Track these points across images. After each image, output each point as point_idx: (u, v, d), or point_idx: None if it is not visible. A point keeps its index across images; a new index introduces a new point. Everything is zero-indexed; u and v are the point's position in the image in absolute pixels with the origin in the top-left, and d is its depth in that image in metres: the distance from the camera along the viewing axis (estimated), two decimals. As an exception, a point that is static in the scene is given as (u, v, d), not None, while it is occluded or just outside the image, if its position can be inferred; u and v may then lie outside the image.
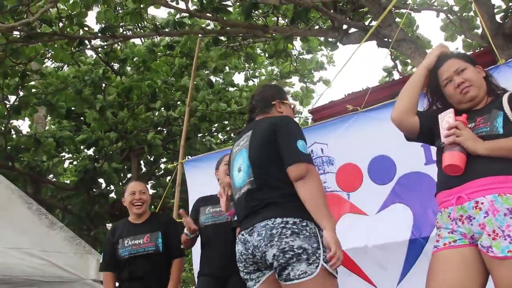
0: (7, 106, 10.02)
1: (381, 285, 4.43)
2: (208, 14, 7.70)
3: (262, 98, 3.17)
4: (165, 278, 4.21)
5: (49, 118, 12.47)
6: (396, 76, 11.45)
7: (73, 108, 11.40)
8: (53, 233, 5.69)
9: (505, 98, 2.55)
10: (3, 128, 10.08)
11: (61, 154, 12.45)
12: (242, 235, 2.78)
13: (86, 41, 9.49)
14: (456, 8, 8.99)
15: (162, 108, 11.58)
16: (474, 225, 2.40)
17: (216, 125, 12.22)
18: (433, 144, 2.75)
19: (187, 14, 8.13)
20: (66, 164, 13.65)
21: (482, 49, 7.17)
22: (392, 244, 4.32)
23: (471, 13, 8.38)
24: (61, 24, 8.13)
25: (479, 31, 8.07)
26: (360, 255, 4.51)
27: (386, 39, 7.30)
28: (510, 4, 8.06)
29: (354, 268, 4.53)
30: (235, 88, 13.03)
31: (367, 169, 4.73)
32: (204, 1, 7.59)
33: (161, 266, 4.23)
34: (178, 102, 11.67)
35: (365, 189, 4.66)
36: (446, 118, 2.58)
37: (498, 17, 7.47)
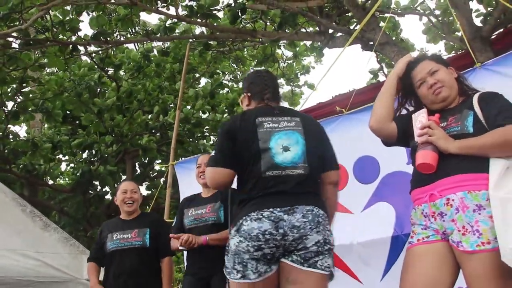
0: (5, 111, 9.99)
1: (366, 280, 4.45)
2: (197, 20, 7.68)
3: (274, 85, 3.15)
4: (152, 274, 4.20)
5: (46, 125, 12.40)
6: (382, 78, 11.46)
7: (68, 112, 11.39)
8: (47, 235, 5.68)
9: (475, 99, 2.56)
10: (0, 133, 10.03)
11: (57, 157, 12.36)
12: (272, 212, 2.60)
13: (80, 47, 9.42)
14: (437, 12, 9.02)
15: (160, 115, 11.57)
16: (446, 221, 2.41)
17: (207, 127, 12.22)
18: (409, 146, 2.76)
19: (177, 20, 8.10)
20: (63, 167, 13.58)
21: (462, 51, 7.19)
22: (376, 241, 4.34)
23: (452, 17, 8.40)
24: (54, 30, 8.07)
25: (460, 33, 8.11)
26: (346, 252, 4.51)
27: (371, 43, 7.30)
28: (489, 8, 8.11)
29: (341, 264, 4.52)
30: (225, 89, 13.01)
31: (352, 169, 4.75)
32: (194, 7, 7.57)
33: (148, 262, 4.22)
34: (171, 105, 11.64)
35: (351, 189, 4.67)
36: (420, 118, 2.59)
37: (478, 21, 7.51)
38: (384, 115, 2.75)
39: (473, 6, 7.96)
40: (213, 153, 2.90)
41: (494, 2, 7.09)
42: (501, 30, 6.60)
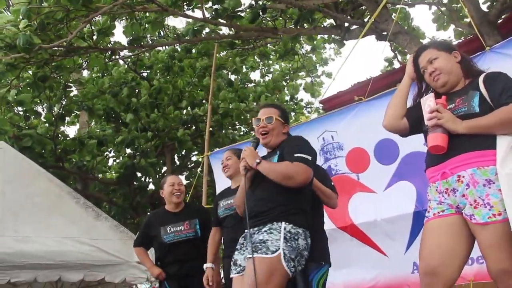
0: (53, 114, 10.23)
1: (390, 253, 4.46)
2: (222, 21, 7.68)
3: None
4: (204, 258, 4.24)
5: (93, 123, 12.66)
6: (397, 65, 11.34)
7: (111, 112, 11.59)
8: (99, 223, 5.83)
9: (481, 79, 2.53)
10: (51, 134, 10.27)
11: (104, 154, 12.61)
12: None
13: (117, 53, 9.56)
14: (445, 1, 8.85)
15: (189, 107, 11.69)
16: (457, 196, 2.41)
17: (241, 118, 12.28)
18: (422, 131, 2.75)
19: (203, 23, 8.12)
20: (110, 162, 13.83)
21: (471, 36, 7.06)
22: (399, 217, 4.34)
23: (460, 4, 8.23)
24: (94, 37, 8.19)
25: (468, 19, 7.95)
26: (370, 228, 4.53)
27: (384, 33, 7.21)
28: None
29: (366, 240, 4.56)
30: (252, 83, 13.03)
31: (373, 152, 4.75)
32: (219, 10, 7.58)
33: (200, 248, 4.30)
34: (203, 101, 11.73)
35: (373, 170, 4.68)
36: (428, 102, 2.58)
37: (485, 7, 7.35)
38: (395, 115, 2.77)
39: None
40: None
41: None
42: (507, 14, 6.45)
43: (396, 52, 10.94)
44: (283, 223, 2.85)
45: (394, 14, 7.72)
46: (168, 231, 4.38)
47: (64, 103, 10.52)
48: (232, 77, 12.32)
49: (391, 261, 4.45)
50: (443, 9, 9.13)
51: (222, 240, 4.18)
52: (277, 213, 2.90)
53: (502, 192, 2.26)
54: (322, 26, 8.96)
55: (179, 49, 10.70)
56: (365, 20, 8.23)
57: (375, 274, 4.57)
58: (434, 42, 2.96)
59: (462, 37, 9.19)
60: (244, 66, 12.52)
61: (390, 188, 4.54)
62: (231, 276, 3.05)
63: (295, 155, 2.93)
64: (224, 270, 4.07)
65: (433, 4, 8.94)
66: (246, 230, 2.94)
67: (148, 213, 5.22)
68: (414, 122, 2.72)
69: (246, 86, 12.49)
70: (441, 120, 2.45)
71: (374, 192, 4.59)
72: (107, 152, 12.76)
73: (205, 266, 4.11)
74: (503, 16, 6.40)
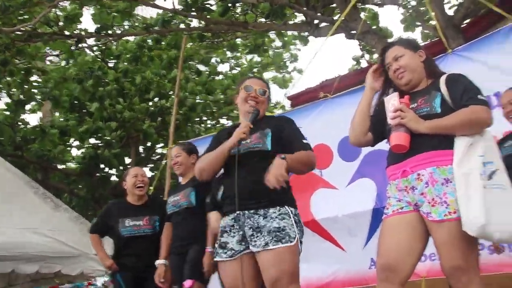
0: (13, 100, 9.96)
1: (349, 248, 4.52)
2: (193, 13, 7.62)
3: None
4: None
5: (57, 113, 12.40)
6: (364, 64, 11.48)
7: (76, 102, 11.37)
8: (58, 214, 5.74)
9: (442, 80, 2.56)
10: (11, 121, 10.01)
11: (67, 143, 12.36)
12: None
13: (83, 40, 9.37)
14: (413, 3, 9.00)
15: (156, 99, 11.56)
16: (416, 194, 2.44)
17: (206, 111, 12.21)
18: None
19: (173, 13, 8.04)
20: (74, 152, 13.60)
21: (436, 39, 7.19)
22: (359, 213, 4.39)
23: (427, 7, 8.39)
24: (60, 24, 8.02)
25: (434, 22, 8.11)
26: (331, 224, 4.56)
27: (353, 32, 7.29)
28: (459, 0, 8.11)
29: (327, 235, 4.60)
30: (220, 76, 12.99)
31: (337, 149, 4.78)
32: (189, 1, 7.52)
33: (157, 244, 4.19)
34: (170, 92, 11.62)
35: (336, 166, 4.72)
36: (392, 101, 2.59)
37: (450, 11, 7.50)
38: (361, 132, 2.79)
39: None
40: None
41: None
42: (471, 19, 6.61)
43: (364, 51, 11.06)
44: (286, 207, 2.78)
45: (363, 14, 7.82)
46: (126, 225, 4.29)
47: (25, 89, 10.23)
48: (201, 68, 12.24)
49: (350, 257, 4.51)
50: (410, 11, 9.29)
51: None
52: (278, 197, 2.79)
53: (457, 192, 2.31)
54: (293, 22, 8.99)
55: (149, 41, 10.58)
56: (335, 18, 8.31)
57: (334, 269, 4.61)
58: (401, 39, 2.98)
59: (428, 39, 9.37)
60: (213, 59, 12.46)
61: (352, 184, 4.58)
62: (218, 259, 2.84)
63: (304, 141, 2.90)
64: (172, 265, 4.00)
65: (401, 6, 9.08)
66: (238, 212, 2.77)
67: (110, 201, 5.10)
68: (378, 132, 2.75)
69: (213, 78, 12.43)
70: (404, 120, 2.48)
71: (336, 188, 4.62)
72: (70, 142, 12.51)
73: (157, 262, 4.04)
74: (467, 21, 6.55)
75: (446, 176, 2.36)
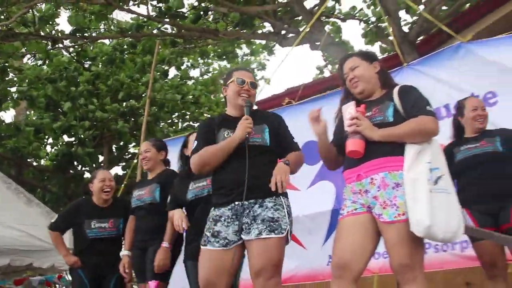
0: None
1: (309, 246, 4.55)
2: (166, 20, 7.57)
3: None
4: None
5: (32, 112, 12.11)
6: (327, 73, 11.63)
7: (50, 101, 11.14)
8: (30, 209, 5.60)
9: (395, 91, 2.62)
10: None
11: (41, 141, 12.09)
12: None
13: (59, 41, 9.17)
14: (373, 19, 9.17)
15: (130, 100, 11.43)
16: (369, 197, 2.49)
17: (176, 114, 12.11)
18: None
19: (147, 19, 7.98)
20: (49, 149, 13.29)
21: (393, 53, 7.36)
22: (319, 214, 4.43)
23: (385, 24, 8.57)
24: (36, 25, 7.84)
25: (391, 38, 8.29)
26: (293, 223, 4.56)
27: (318, 43, 7.39)
28: (414, 18, 8.31)
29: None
30: (192, 81, 12.92)
31: (300, 152, 4.80)
32: (163, 8, 7.47)
33: (120, 245, 4.16)
34: (143, 95, 11.50)
35: (298, 169, 4.75)
36: (349, 110, 2.63)
37: (406, 28, 7.69)
38: (330, 161, 2.86)
39: (402, 15, 8.17)
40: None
41: (418, 13, 7.26)
42: (425, 36, 6.78)
43: (327, 61, 11.21)
44: (281, 197, 2.74)
45: (328, 27, 7.93)
46: (92, 226, 4.17)
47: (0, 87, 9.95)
48: (172, 73, 12.18)
49: (310, 254, 4.55)
50: (371, 26, 9.47)
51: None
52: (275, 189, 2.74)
53: (406, 196, 2.37)
54: (261, 32, 9.04)
55: (125, 46, 10.46)
56: (301, 29, 8.41)
57: (294, 265, 4.65)
58: (359, 52, 3.01)
59: (386, 53, 9.56)
60: (185, 64, 12.39)
61: (313, 186, 4.62)
62: (210, 247, 2.68)
63: (295, 141, 2.93)
64: (133, 260, 3.92)
65: (362, 21, 9.26)
66: (237, 203, 2.67)
67: (76, 200, 4.96)
68: (342, 149, 2.75)
69: (185, 82, 12.37)
70: (360, 128, 2.53)
71: (299, 190, 4.64)
72: (44, 140, 12.24)
73: (121, 253, 3.96)
74: (420, 38, 6.71)
75: (397, 181, 2.41)
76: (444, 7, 7.94)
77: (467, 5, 6.64)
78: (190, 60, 12.61)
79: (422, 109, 2.50)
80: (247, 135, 2.72)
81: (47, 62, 10.82)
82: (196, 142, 2.83)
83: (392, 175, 2.44)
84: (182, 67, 12.39)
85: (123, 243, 4.18)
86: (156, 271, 3.68)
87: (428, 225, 2.27)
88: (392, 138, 2.48)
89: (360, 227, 2.50)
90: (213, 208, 2.79)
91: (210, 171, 2.81)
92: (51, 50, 9.98)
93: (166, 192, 3.82)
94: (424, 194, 2.33)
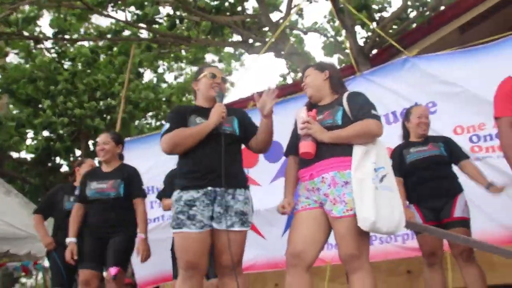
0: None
1: (269, 237, 4.56)
2: (142, 25, 7.45)
3: None
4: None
5: (12, 106, 11.70)
6: (290, 80, 11.68)
7: (31, 97, 10.82)
8: (9, 199, 5.42)
9: (345, 97, 2.64)
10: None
11: (23, 135, 11.71)
12: None
13: (41, 42, 8.90)
14: (332, 33, 9.28)
15: (107, 98, 11.21)
16: (321, 194, 2.50)
17: (150, 113, 11.93)
18: None
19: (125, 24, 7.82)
20: (28, 143, 12.85)
21: (349, 64, 7.46)
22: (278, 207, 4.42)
23: (343, 37, 8.68)
24: (19, 25, 7.58)
25: (348, 50, 8.42)
26: (254, 216, 4.51)
27: (282, 52, 7.42)
28: (369, 33, 8.45)
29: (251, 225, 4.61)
30: (165, 84, 12.76)
31: (262, 151, 4.80)
32: (140, 15, 7.34)
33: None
34: (119, 94, 11.28)
35: (261, 166, 4.73)
36: (301, 114, 2.62)
37: (361, 42, 7.81)
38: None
39: (358, 29, 8.28)
40: None
41: (372, 29, 7.39)
42: (377, 50, 6.90)
43: (290, 70, 11.27)
44: (247, 191, 2.69)
45: (291, 38, 7.97)
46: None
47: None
48: (149, 75, 12.02)
49: (269, 244, 4.56)
50: (330, 39, 9.57)
51: (87, 218, 3.78)
52: (243, 179, 2.70)
53: (353, 193, 2.39)
54: (230, 40, 9.01)
55: (103, 48, 10.23)
56: (267, 39, 8.42)
57: (254, 254, 4.64)
58: (315, 63, 3.03)
59: (343, 64, 9.69)
60: (161, 67, 12.24)
61: (273, 182, 4.62)
62: (187, 230, 2.53)
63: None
64: (81, 247, 3.69)
65: (323, 34, 9.35)
66: (210, 188, 2.56)
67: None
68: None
69: (159, 85, 12.23)
70: (311, 131, 2.54)
71: (260, 185, 4.64)
72: (25, 134, 11.87)
73: (68, 240, 3.70)
74: (374, 51, 6.82)
75: (345, 179, 2.43)
76: (394, 26, 8.10)
77: (414, 24, 6.78)
78: (166, 64, 12.43)
79: (368, 113, 2.52)
80: (221, 121, 2.63)
81: (29, 61, 10.50)
82: (167, 124, 2.68)
83: (341, 174, 2.45)
84: (159, 70, 12.23)
85: None
86: (143, 261, 3.66)
87: (373, 221, 2.30)
88: (340, 139, 2.50)
89: (313, 220, 2.52)
90: (179, 190, 2.61)
91: (180, 152, 2.64)
92: (34, 50, 9.71)
93: (129, 188, 3.74)
94: (369, 193, 2.35)
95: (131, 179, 3.79)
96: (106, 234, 3.68)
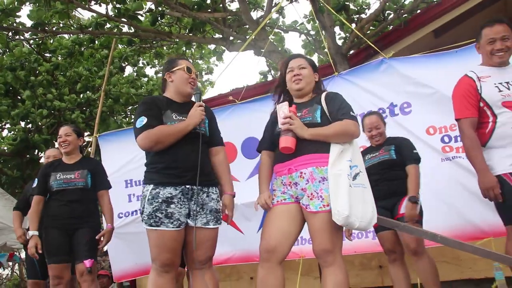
0: None
1: (246, 231, 4.58)
2: (124, 20, 7.32)
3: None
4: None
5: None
6: (269, 78, 11.67)
7: (10, 88, 10.54)
8: (-16, 191, 5.25)
9: (323, 96, 2.68)
10: None
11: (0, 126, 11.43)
12: None
13: (20, 33, 8.65)
14: (312, 32, 9.30)
15: (87, 92, 11.00)
16: (298, 189, 2.53)
17: (130, 107, 11.76)
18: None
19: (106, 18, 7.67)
20: (5, 134, 12.52)
21: (328, 63, 7.50)
22: (255, 203, 4.42)
23: (322, 37, 8.72)
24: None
25: (327, 50, 8.45)
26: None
27: (262, 50, 7.40)
28: (347, 34, 8.49)
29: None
30: (146, 78, 12.60)
31: (240, 147, 4.81)
32: (121, 9, 7.21)
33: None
34: (99, 87, 11.09)
35: (239, 162, 4.74)
36: (283, 109, 2.64)
37: (340, 42, 7.85)
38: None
39: (337, 30, 8.33)
40: None
41: (350, 30, 7.43)
42: (355, 50, 6.95)
43: (270, 67, 11.25)
44: (217, 188, 2.71)
45: (271, 36, 7.95)
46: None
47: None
48: (129, 69, 11.86)
49: (246, 238, 4.57)
50: (310, 38, 9.59)
51: (49, 211, 3.73)
52: (215, 177, 2.72)
53: (329, 188, 2.42)
54: (211, 37, 8.94)
55: (84, 42, 10.00)
56: (247, 37, 8.38)
57: (232, 248, 4.65)
58: (306, 57, 3.01)
59: (322, 63, 9.73)
60: (140, 62, 12.06)
61: (251, 178, 4.63)
62: (161, 228, 2.51)
63: (221, 136, 2.85)
64: (47, 240, 3.66)
65: (303, 33, 9.36)
66: (188, 186, 2.55)
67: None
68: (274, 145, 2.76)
69: (139, 78, 12.06)
70: (292, 126, 2.55)
71: (238, 180, 4.63)
72: (2, 125, 11.57)
73: (30, 233, 3.65)
74: (352, 51, 6.87)
75: (323, 175, 2.46)
76: (372, 27, 8.17)
77: (391, 27, 6.85)
78: (146, 59, 12.27)
79: (347, 114, 2.57)
80: (200, 122, 2.65)
81: (7, 52, 10.20)
82: (143, 118, 2.59)
83: (319, 170, 2.48)
84: (139, 65, 12.05)
85: None
86: (101, 249, 3.69)
87: (347, 215, 2.33)
88: (320, 137, 2.53)
89: (288, 214, 2.53)
90: (154, 186, 2.57)
91: (161, 148, 2.60)
92: (12, 42, 9.43)
93: (95, 179, 3.76)
94: (344, 189, 2.38)
95: (97, 171, 3.82)
96: (72, 225, 3.65)
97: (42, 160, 11.56)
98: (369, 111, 4.00)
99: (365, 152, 3.73)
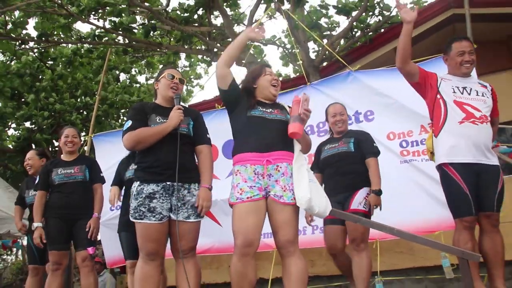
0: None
1: (225, 224, 4.49)
2: (119, 32, 7.19)
3: None
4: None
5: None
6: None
7: (16, 92, 10.31)
8: (-10, 184, 5.10)
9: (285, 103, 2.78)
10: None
11: (6, 126, 11.16)
12: None
13: (26, 44, 8.46)
14: (288, 46, 9.26)
15: (83, 97, 10.86)
16: (271, 180, 2.46)
17: (123, 111, 11.59)
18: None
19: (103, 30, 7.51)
20: (10, 133, 12.24)
21: (301, 74, 7.47)
22: None
23: (297, 51, 8.69)
24: (8, 27, 7.18)
25: (300, 62, 8.43)
26: (212, 206, 4.46)
27: (243, 61, 7.32)
28: (319, 49, 8.48)
29: (208, 214, 4.48)
30: (138, 84, 12.42)
31: (222, 148, 4.73)
32: (117, 23, 7.09)
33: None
34: (95, 92, 10.91)
35: (219, 162, 4.66)
36: (306, 99, 2.55)
37: (313, 55, 7.82)
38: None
39: (310, 45, 8.30)
40: None
41: (322, 45, 7.41)
42: (327, 63, 6.94)
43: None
44: (199, 185, 2.61)
45: (251, 49, 7.88)
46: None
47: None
48: (122, 76, 11.69)
49: (224, 231, 4.46)
50: (286, 51, 9.55)
51: (51, 203, 3.67)
52: (197, 175, 2.63)
53: (292, 178, 2.44)
54: (198, 48, 8.84)
55: (82, 51, 9.79)
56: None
57: (211, 240, 4.56)
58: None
59: (297, 73, 9.70)
60: (133, 69, 11.90)
61: (230, 176, 4.53)
62: (147, 221, 2.48)
63: (207, 136, 2.76)
64: (49, 229, 3.62)
65: (280, 46, 9.31)
66: (169, 183, 2.50)
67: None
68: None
69: (132, 85, 11.92)
70: (307, 117, 2.53)
71: (218, 178, 4.54)
72: (8, 125, 11.31)
73: (34, 225, 3.63)
74: (323, 64, 6.85)
75: (292, 172, 2.48)
76: (341, 43, 8.17)
77: (358, 43, 6.86)
78: (138, 68, 12.15)
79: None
80: (180, 123, 2.59)
81: (14, 59, 10.00)
82: (129, 121, 2.59)
83: (290, 167, 2.48)
84: (131, 73, 11.92)
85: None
86: (94, 237, 3.62)
87: (309, 198, 2.34)
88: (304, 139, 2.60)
89: (257, 210, 2.43)
90: (139, 182, 2.54)
91: (142, 148, 2.57)
92: (19, 50, 9.25)
93: (91, 173, 3.77)
94: (306, 178, 2.41)
95: (93, 166, 3.85)
96: (71, 215, 3.62)
97: (43, 157, 11.30)
98: (356, 111, 3.95)
99: (324, 143, 3.52)
